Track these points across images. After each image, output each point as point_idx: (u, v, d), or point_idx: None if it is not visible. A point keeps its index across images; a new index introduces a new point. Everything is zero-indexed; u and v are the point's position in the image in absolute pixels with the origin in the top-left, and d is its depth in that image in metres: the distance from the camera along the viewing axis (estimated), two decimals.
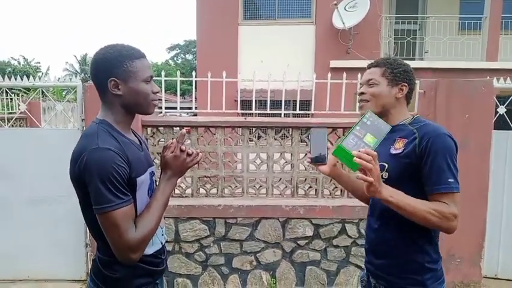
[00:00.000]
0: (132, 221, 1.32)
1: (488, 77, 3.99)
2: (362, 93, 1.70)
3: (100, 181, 1.25)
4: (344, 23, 8.74)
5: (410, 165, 1.53)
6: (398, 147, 1.58)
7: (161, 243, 1.56)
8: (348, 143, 1.41)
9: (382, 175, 1.57)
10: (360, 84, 1.75)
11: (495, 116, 3.84)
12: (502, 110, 3.87)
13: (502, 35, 9.22)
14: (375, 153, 1.36)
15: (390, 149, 1.60)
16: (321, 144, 1.68)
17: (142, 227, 1.33)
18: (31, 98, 4.65)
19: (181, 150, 1.46)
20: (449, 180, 1.47)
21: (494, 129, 3.85)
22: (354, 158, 1.34)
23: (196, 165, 3.85)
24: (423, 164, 1.49)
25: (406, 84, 1.64)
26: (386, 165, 1.59)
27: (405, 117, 1.66)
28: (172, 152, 1.46)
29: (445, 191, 1.47)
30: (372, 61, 1.72)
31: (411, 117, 1.66)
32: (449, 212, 1.45)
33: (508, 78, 3.98)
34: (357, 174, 1.40)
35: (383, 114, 1.65)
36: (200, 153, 1.53)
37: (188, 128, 3.93)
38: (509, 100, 3.88)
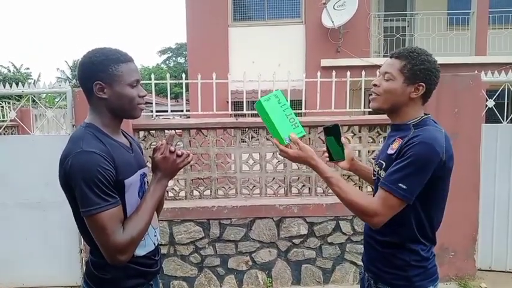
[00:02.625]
0: (120, 223, 1.32)
1: (476, 71, 4.02)
2: (375, 85, 1.59)
3: (85, 184, 1.25)
4: (333, 22, 8.77)
5: None
6: (394, 147, 1.52)
7: (154, 244, 1.56)
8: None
9: (380, 173, 1.57)
10: (378, 72, 1.63)
11: (485, 109, 3.88)
12: (490, 103, 3.90)
13: (490, 30, 9.29)
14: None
15: (388, 148, 1.57)
16: (336, 140, 1.69)
17: (130, 228, 1.33)
18: (21, 105, 4.62)
19: (171, 152, 1.46)
20: (400, 184, 1.39)
21: (485, 122, 3.89)
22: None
23: (189, 167, 3.87)
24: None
25: (423, 84, 1.52)
26: (384, 164, 1.56)
27: (416, 117, 1.55)
28: (161, 154, 1.46)
29: (387, 188, 1.42)
30: (397, 50, 1.58)
31: (421, 117, 1.56)
32: (370, 208, 1.43)
33: (496, 72, 4.02)
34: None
35: (392, 110, 1.59)
36: (191, 154, 1.53)
37: (180, 131, 3.93)
38: (497, 93, 3.92)
